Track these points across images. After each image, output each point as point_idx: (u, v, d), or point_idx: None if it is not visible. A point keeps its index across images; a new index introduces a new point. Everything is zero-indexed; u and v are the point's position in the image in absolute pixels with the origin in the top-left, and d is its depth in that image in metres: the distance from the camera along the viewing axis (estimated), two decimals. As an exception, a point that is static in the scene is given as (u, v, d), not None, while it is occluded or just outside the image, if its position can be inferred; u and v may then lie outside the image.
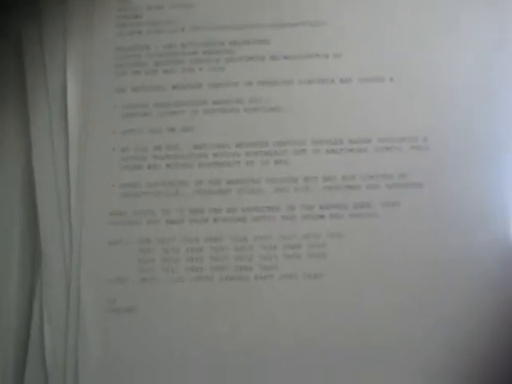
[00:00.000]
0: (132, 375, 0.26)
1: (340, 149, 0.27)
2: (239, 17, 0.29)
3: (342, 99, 0.28)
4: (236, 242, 0.27)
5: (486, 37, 0.28)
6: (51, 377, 0.26)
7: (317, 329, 0.26)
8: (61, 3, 0.29)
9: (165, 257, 0.27)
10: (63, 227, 0.27)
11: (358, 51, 0.28)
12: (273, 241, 0.27)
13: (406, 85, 0.28)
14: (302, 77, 0.28)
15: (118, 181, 0.28)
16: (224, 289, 0.26)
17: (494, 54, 0.28)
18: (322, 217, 0.27)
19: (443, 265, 0.26)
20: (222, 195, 0.27)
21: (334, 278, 0.26)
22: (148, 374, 0.26)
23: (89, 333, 0.26)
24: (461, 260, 0.26)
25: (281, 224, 0.27)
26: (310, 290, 0.26)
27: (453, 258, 0.26)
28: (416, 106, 0.28)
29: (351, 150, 0.27)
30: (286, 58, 0.28)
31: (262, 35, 0.28)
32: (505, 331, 0.25)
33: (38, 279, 0.27)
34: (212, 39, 0.29)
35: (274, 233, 0.27)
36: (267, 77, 0.28)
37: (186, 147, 0.28)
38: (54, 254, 0.27)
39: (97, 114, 0.28)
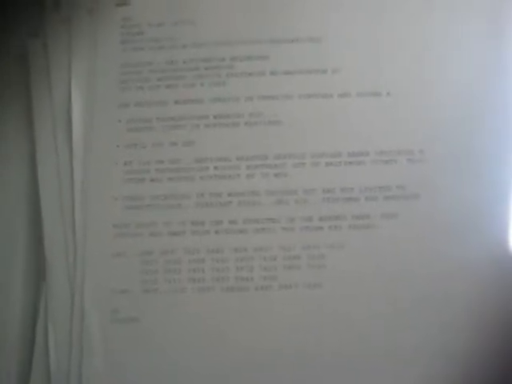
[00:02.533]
0: (135, 384, 0.27)
1: (338, 162, 0.28)
2: (239, 33, 0.29)
3: (340, 113, 0.28)
4: (237, 254, 0.27)
5: (482, 52, 0.29)
6: (55, 386, 0.27)
7: (316, 338, 0.26)
8: (66, 20, 0.30)
9: (167, 268, 0.27)
10: (67, 239, 0.28)
11: (355, 66, 0.29)
12: (273, 252, 0.27)
13: (403, 99, 0.28)
14: (301, 91, 0.29)
15: (121, 194, 0.28)
16: (225, 299, 0.27)
17: (490, 69, 0.28)
18: (321, 228, 0.27)
19: (441, 275, 0.26)
20: (223, 207, 0.28)
21: (333, 288, 0.27)
22: (151, 383, 0.26)
23: (92, 343, 0.27)
24: (458, 271, 0.26)
25: (281, 235, 0.27)
26: (310, 300, 0.27)
27: (450, 269, 0.26)
28: (412, 120, 0.28)
29: (350, 163, 0.28)
30: (285, 73, 0.29)
31: (261, 51, 0.29)
32: (501, 341, 0.26)
33: (43, 291, 0.28)
34: (213, 55, 0.29)
35: (274, 244, 0.27)
36: (267, 91, 0.29)
37: (188, 161, 0.28)
38: (58, 266, 0.28)
39: (101, 129, 0.29)
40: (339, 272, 0.27)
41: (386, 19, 0.29)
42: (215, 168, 0.28)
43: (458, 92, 0.28)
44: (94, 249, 0.28)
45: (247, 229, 0.27)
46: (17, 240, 0.29)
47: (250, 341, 0.26)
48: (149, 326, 0.27)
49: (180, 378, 0.26)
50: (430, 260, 0.27)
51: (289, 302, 0.27)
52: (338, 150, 0.28)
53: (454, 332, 0.26)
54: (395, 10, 0.29)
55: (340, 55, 0.29)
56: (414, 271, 0.27)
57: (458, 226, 0.27)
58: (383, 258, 0.27)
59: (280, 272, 0.27)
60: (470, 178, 0.27)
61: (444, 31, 0.29)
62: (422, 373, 0.26)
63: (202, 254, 0.27)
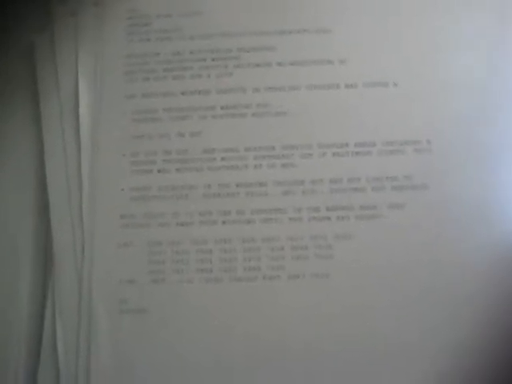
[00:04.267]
0: (143, 375, 0.26)
1: (346, 152, 0.28)
2: (246, 24, 0.29)
3: (347, 104, 0.28)
4: (244, 244, 0.27)
5: (487, 41, 0.29)
6: (63, 377, 0.27)
7: (323, 328, 0.26)
8: (72, 12, 0.30)
9: (175, 258, 0.27)
10: (75, 230, 0.28)
11: (362, 57, 0.29)
12: (280, 242, 0.27)
13: (410, 89, 0.28)
14: (308, 82, 0.29)
15: (129, 185, 0.28)
16: (233, 290, 0.27)
17: (496, 58, 0.28)
18: (328, 218, 0.27)
19: (448, 266, 0.27)
20: (231, 198, 0.28)
21: (341, 278, 0.27)
22: (159, 374, 0.26)
23: (100, 334, 0.27)
24: (465, 261, 0.26)
25: (288, 226, 0.27)
26: (317, 290, 0.27)
27: (457, 259, 0.26)
28: (419, 110, 0.28)
29: (357, 153, 0.28)
30: (292, 64, 0.29)
31: (268, 42, 0.29)
32: (507, 332, 0.26)
33: (50, 281, 0.28)
34: (220, 46, 0.29)
35: (282, 234, 0.27)
36: (274, 82, 0.29)
37: (195, 151, 0.28)
38: (65, 257, 0.28)
39: (108, 120, 0.29)
40: (346, 262, 0.27)
41: (394, 10, 0.29)
42: (223, 159, 0.28)
43: (465, 82, 0.28)
44: (102, 239, 0.28)
45: (255, 219, 0.27)
46: (25, 232, 0.29)
47: (257, 331, 0.26)
48: (156, 317, 0.27)
49: (187, 368, 0.26)
50: (437, 250, 0.27)
51: (296, 292, 0.27)
52: (345, 141, 0.28)
53: (460, 323, 0.26)
54: (403, 2, 0.29)
55: (347, 46, 0.29)
56: (421, 261, 0.27)
57: (466, 217, 0.27)
58: (390, 249, 0.27)
59: (288, 262, 0.27)
60: (477, 168, 0.27)
61: (452, 23, 0.29)
62: (428, 364, 0.26)
63: (210, 245, 0.27)
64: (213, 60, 0.29)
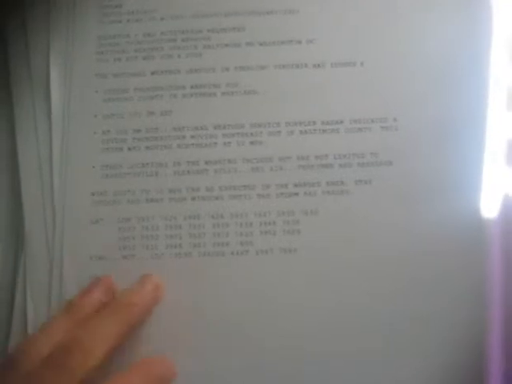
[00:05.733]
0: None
1: (313, 129, 0.28)
2: (216, 5, 0.30)
3: (314, 83, 0.29)
4: (213, 220, 0.28)
5: (455, 21, 0.29)
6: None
7: (290, 301, 0.27)
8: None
9: (144, 234, 0.28)
10: (46, 207, 0.28)
11: (329, 37, 0.29)
12: (249, 218, 0.28)
13: (376, 69, 0.29)
14: (277, 62, 0.29)
15: (100, 162, 0.29)
16: (202, 264, 0.27)
17: (463, 39, 0.29)
18: (296, 194, 0.28)
19: (413, 239, 0.27)
20: (200, 175, 0.28)
21: (308, 253, 0.27)
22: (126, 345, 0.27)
23: (71, 309, 0.27)
24: (429, 233, 0.27)
25: (256, 202, 0.28)
26: (285, 264, 0.27)
27: (422, 232, 0.27)
28: (386, 89, 0.29)
29: (324, 131, 0.28)
30: (260, 44, 0.29)
31: (237, 23, 0.30)
32: (471, 302, 0.26)
33: (21, 257, 0.28)
34: (190, 27, 0.30)
35: (250, 210, 0.28)
36: (243, 62, 0.29)
37: (165, 130, 0.29)
38: (36, 233, 0.28)
39: (79, 99, 0.29)
40: (314, 237, 0.27)
41: (360, -9, 0.30)
42: (192, 137, 0.29)
43: (431, 61, 0.29)
44: (73, 216, 0.28)
45: (223, 196, 0.28)
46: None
47: (225, 305, 0.27)
48: (126, 292, 0.27)
49: (154, 342, 0.27)
50: (402, 224, 0.27)
51: (264, 267, 0.27)
52: (312, 119, 0.28)
53: (424, 291, 0.26)
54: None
55: (314, 26, 0.29)
56: (386, 236, 0.27)
57: (430, 192, 0.27)
58: (357, 223, 0.27)
59: (256, 238, 0.27)
60: (441, 145, 0.28)
61: (420, 3, 0.29)
62: (391, 335, 0.26)
63: (179, 221, 0.28)
64: (183, 40, 0.30)
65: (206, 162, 0.28)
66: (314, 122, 0.28)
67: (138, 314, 0.26)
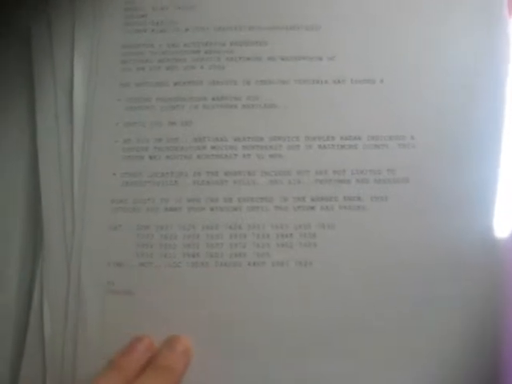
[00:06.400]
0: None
1: (331, 145, 0.29)
2: (239, 19, 0.30)
3: (334, 99, 0.29)
4: (231, 230, 0.28)
5: (474, 41, 0.30)
6: (49, 357, 0.27)
7: (306, 313, 0.27)
8: (70, 1, 0.31)
9: (162, 243, 0.28)
10: (65, 213, 0.28)
11: (350, 54, 0.30)
12: (266, 230, 0.28)
13: (396, 86, 0.29)
14: (298, 77, 0.30)
15: (120, 170, 0.29)
16: (219, 274, 0.28)
17: (482, 57, 0.29)
18: (313, 208, 0.28)
19: (428, 255, 0.27)
20: (219, 186, 0.29)
21: (324, 266, 0.28)
22: None
23: (88, 314, 0.27)
24: (444, 250, 0.27)
25: (274, 214, 0.28)
26: (301, 277, 0.27)
27: (437, 249, 0.27)
28: (404, 106, 0.29)
29: (342, 147, 0.29)
30: (282, 58, 0.30)
31: (260, 37, 0.30)
32: (486, 320, 0.27)
33: (39, 262, 0.28)
34: (213, 39, 0.30)
35: (268, 222, 0.28)
36: (264, 76, 0.30)
37: (186, 140, 0.29)
38: (55, 238, 0.28)
39: (102, 107, 0.30)
40: (329, 251, 0.28)
41: (382, 9, 0.30)
42: (212, 148, 0.29)
43: (449, 80, 0.29)
44: (92, 222, 0.28)
45: (242, 207, 0.28)
46: (15, 214, 0.29)
47: (241, 314, 0.27)
48: (143, 299, 0.28)
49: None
50: (417, 242, 0.28)
51: (280, 279, 0.28)
52: (331, 134, 0.29)
53: (442, 307, 0.27)
54: (391, 0, 0.30)
55: (336, 43, 0.30)
56: (401, 253, 0.28)
57: (446, 210, 0.28)
58: (372, 239, 0.28)
59: (272, 249, 0.28)
60: (457, 163, 0.28)
61: (437, 20, 0.30)
62: (411, 345, 0.27)
63: (197, 230, 0.28)
64: (206, 52, 0.30)
65: (226, 173, 0.29)
66: (333, 138, 0.29)
67: (179, 376, 0.26)
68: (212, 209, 0.28)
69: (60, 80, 0.30)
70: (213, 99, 0.30)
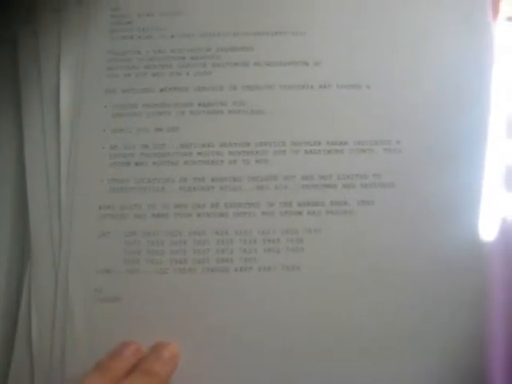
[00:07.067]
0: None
1: (318, 150, 0.29)
2: (225, 25, 0.30)
3: (320, 104, 0.30)
4: (218, 236, 0.28)
5: (459, 46, 0.30)
6: (37, 364, 0.27)
7: (292, 317, 0.27)
8: (56, 8, 0.31)
9: (150, 249, 0.28)
10: (53, 219, 0.29)
11: (336, 60, 0.30)
12: (253, 235, 0.28)
13: (382, 91, 0.30)
14: (284, 82, 0.30)
15: (107, 176, 0.29)
16: (206, 280, 0.28)
17: (467, 63, 0.30)
18: (299, 213, 0.28)
19: (413, 259, 0.28)
20: (206, 192, 0.29)
21: (311, 271, 0.28)
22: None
23: (76, 321, 0.27)
24: (430, 254, 0.28)
25: (261, 219, 0.28)
26: (288, 281, 0.28)
27: (422, 253, 0.28)
28: (390, 112, 0.29)
29: (329, 152, 0.29)
30: (268, 64, 0.30)
31: (246, 42, 0.30)
32: (473, 320, 0.27)
33: (27, 269, 0.28)
34: (199, 45, 0.30)
35: (254, 228, 0.28)
36: (250, 82, 0.30)
37: (172, 146, 0.29)
38: (43, 246, 0.28)
39: (88, 113, 0.30)
40: (316, 255, 0.28)
41: (367, 14, 0.31)
42: (199, 154, 0.29)
43: (435, 87, 0.29)
44: (79, 229, 0.28)
45: (228, 212, 0.28)
46: (2, 221, 0.29)
47: (228, 320, 0.27)
48: (131, 305, 0.28)
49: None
50: (403, 246, 0.28)
51: (267, 284, 0.28)
52: (317, 139, 0.29)
53: (427, 312, 0.27)
54: (375, 6, 0.30)
55: (321, 49, 0.30)
56: (388, 256, 0.28)
57: (431, 215, 0.28)
58: (359, 243, 0.28)
59: (259, 255, 0.28)
60: (443, 169, 0.29)
61: (421, 26, 0.30)
62: (397, 348, 0.27)
63: (184, 236, 0.28)
64: (192, 58, 0.30)
65: (212, 179, 0.29)
66: (319, 143, 0.29)
67: (163, 382, 0.26)
68: (199, 215, 0.28)
69: (46, 87, 0.30)
70: (199, 105, 0.30)
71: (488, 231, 0.28)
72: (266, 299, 0.28)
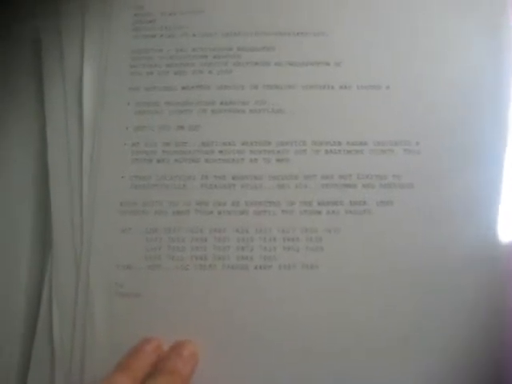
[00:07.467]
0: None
1: (338, 150, 0.29)
2: (247, 24, 0.31)
3: (341, 104, 0.30)
4: (238, 234, 0.28)
5: (481, 47, 0.30)
6: (58, 358, 0.28)
7: (311, 316, 0.27)
8: (80, 6, 0.31)
9: (171, 246, 0.28)
10: (74, 215, 0.29)
11: (356, 60, 0.30)
12: (273, 233, 0.28)
13: (402, 93, 0.30)
14: (304, 82, 0.30)
15: (129, 173, 0.29)
16: (226, 277, 0.28)
17: (488, 64, 0.30)
18: (319, 212, 0.28)
19: (432, 260, 0.28)
20: (227, 189, 0.29)
21: (330, 270, 0.28)
22: None
23: (96, 316, 0.28)
24: (448, 255, 0.28)
25: (281, 218, 0.28)
26: (307, 280, 0.28)
27: (441, 253, 0.28)
28: (410, 113, 0.29)
29: (348, 152, 0.29)
30: (289, 64, 0.30)
31: (268, 42, 0.30)
32: (490, 325, 0.27)
33: (49, 264, 0.29)
34: (221, 44, 0.31)
35: (274, 226, 0.28)
36: (272, 81, 0.30)
37: (194, 144, 0.29)
38: (64, 241, 0.29)
39: (111, 111, 0.30)
40: (335, 255, 0.28)
41: (387, 15, 0.31)
42: (220, 152, 0.29)
43: (455, 86, 0.30)
44: (101, 225, 0.29)
45: (249, 210, 0.29)
46: (25, 217, 0.30)
47: (248, 316, 0.28)
48: (151, 301, 0.28)
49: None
50: (421, 246, 0.28)
51: (287, 282, 0.28)
52: (337, 139, 0.29)
53: (446, 314, 0.27)
54: (395, 7, 0.31)
55: (342, 49, 0.30)
56: (406, 257, 0.28)
57: (450, 215, 0.28)
58: (378, 243, 0.28)
59: (279, 253, 0.28)
60: (462, 170, 0.29)
61: (441, 27, 0.30)
62: (416, 348, 0.27)
63: (205, 234, 0.28)
64: (214, 57, 0.30)
65: (233, 177, 0.29)
66: (339, 143, 0.29)
67: (186, 380, 0.26)
68: (219, 212, 0.29)
69: (70, 85, 0.30)
70: (221, 104, 0.30)
71: (507, 232, 0.28)
72: (285, 297, 0.28)
